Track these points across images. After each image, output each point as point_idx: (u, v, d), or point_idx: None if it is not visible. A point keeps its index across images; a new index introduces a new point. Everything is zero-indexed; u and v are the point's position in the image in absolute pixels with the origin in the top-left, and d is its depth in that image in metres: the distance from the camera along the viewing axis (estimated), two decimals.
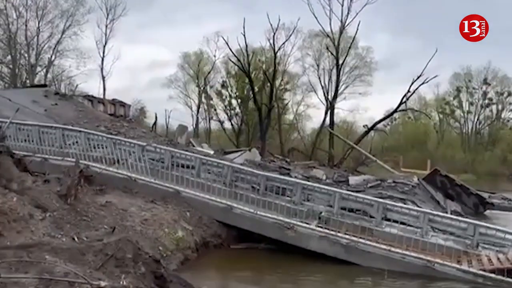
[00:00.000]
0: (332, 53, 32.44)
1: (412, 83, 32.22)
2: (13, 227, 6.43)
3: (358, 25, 31.70)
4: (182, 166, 11.82)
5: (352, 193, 11.12)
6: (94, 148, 12.26)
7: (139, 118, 37.84)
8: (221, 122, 47.78)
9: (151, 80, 68.09)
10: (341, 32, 32.06)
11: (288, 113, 45.93)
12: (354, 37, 31.85)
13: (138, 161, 11.78)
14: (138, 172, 11.64)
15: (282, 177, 12.48)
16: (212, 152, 20.52)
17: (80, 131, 12.63)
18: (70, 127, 13.98)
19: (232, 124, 46.87)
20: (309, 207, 10.82)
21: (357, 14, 31.87)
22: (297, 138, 46.08)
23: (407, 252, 9.29)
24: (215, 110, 47.09)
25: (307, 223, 10.26)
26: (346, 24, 31.76)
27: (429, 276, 8.98)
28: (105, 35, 39.23)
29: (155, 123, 31.81)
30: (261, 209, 10.55)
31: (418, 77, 31.63)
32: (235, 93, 45.68)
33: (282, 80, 41.09)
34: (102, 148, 12.35)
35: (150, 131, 23.90)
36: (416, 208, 12.23)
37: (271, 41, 33.75)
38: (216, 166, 12.03)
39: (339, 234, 9.82)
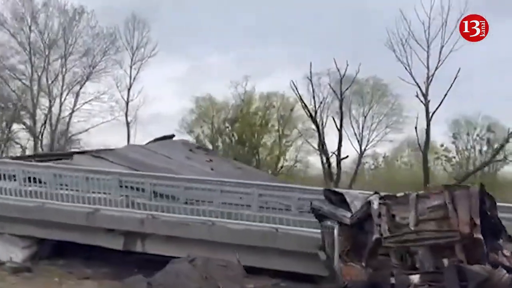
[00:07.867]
0: (422, 102, 29.36)
1: None
2: None
3: (458, 72, 25.72)
4: None
5: None
6: None
7: None
8: None
9: None
10: (430, 80, 29.60)
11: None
12: (453, 81, 27.60)
13: None
14: None
15: None
16: None
17: None
18: None
19: None
20: None
21: (444, 59, 26.97)
22: None
23: None
24: None
25: None
26: (435, 70, 26.54)
27: None
28: (130, 78, 34.15)
29: None
30: None
31: None
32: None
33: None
34: None
35: None
36: None
37: None
38: None
39: None
